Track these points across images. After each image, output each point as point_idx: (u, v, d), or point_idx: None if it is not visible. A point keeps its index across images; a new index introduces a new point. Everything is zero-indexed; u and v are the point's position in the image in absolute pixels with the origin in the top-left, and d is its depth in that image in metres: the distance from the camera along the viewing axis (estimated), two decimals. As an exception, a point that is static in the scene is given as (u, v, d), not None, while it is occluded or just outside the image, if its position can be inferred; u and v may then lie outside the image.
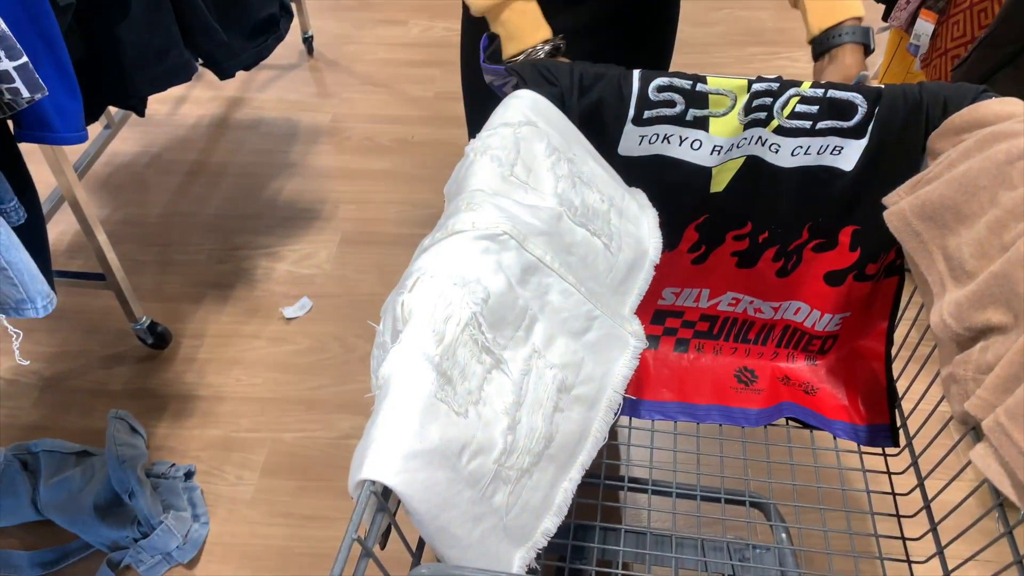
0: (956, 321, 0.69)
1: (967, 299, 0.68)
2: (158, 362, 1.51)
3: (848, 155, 0.81)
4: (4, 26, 0.84)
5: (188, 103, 2.17)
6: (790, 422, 0.95)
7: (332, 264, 1.71)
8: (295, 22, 1.90)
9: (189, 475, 1.32)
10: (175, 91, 2.17)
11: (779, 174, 0.82)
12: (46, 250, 1.02)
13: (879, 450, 0.92)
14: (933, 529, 0.82)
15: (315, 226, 1.80)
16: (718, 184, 0.84)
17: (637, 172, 0.82)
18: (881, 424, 0.93)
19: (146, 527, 1.22)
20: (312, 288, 1.65)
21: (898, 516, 0.87)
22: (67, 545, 1.24)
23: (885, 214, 0.80)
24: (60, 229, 1.76)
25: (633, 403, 0.95)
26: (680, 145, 0.81)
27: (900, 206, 0.79)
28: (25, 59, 0.86)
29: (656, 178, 0.83)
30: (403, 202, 1.86)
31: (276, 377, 1.48)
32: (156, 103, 2.13)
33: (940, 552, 0.80)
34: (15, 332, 0.81)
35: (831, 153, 0.81)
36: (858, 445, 0.92)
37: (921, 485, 0.86)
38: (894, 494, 0.89)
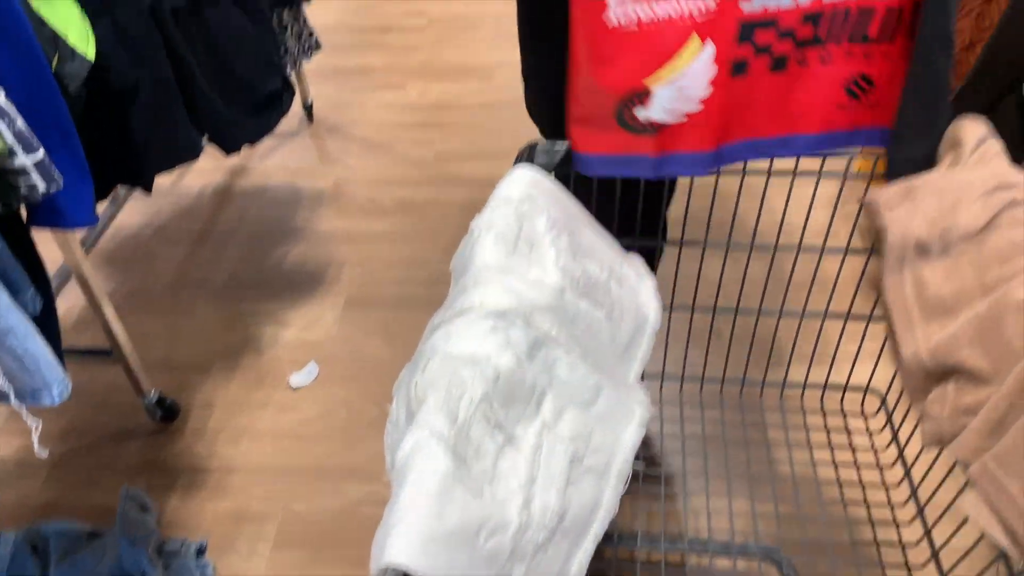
0: (931, 357, 0.70)
1: (946, 339, 0.69)
2: (168, 435, 1.52)
3: None
4: (22, 124, 0.87)
5: (192, 173, 2.21)
6: None
7: (338, 327, 1.73)
8: (295, 90, 1.95)
9: (201, 551, 1.32)
10: (179, 163, 2.22)
11: None
12: (58, 334, 1.04)
13: (885, 500, 0.93)
14: (945, 580, 0.82)
15: (320, 290, 1.82)
16: None
17: None
18: None
19: (159, 604, 1.21)
20: (319, 353, 1.67)
21: (907, 567, 0.88)
22: (80, 626, 1.23)
23: (869, 212, 0.80)
24: (67, 305, 1.78)
25: (715, 155, 0.82)
26: None
27: (890, 224, 0.78)
28: (42, 153, 0.90)
29: None
30: (407, 262, 1.89)
31: (286, 446, 1.49)
32: (161, 175, 2.18)
33: (954, 603, 0.81)
34: (35, 422, 0.83)
35: None
36: (864, 494, 0.92)
37: (928, 534, 0.86)
38: (902, 545, 0.89)
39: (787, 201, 0.94)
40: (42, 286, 1.01)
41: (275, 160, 2.27)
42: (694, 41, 0.76)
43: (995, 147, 0.77)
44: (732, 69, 0.79)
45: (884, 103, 0.81)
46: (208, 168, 2.22)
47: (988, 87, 1.25)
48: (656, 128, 0.82)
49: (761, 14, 0.75)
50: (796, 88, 0.80)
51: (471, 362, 0.60)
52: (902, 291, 0.76)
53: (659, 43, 0.77)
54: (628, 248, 0.91)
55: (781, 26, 0.76)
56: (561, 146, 0.88)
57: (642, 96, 0.80)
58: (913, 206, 0.77)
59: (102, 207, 1.86)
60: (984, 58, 1.26)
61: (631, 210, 0.98)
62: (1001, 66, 1.23)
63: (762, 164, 0.88)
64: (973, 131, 0.78)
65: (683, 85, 0.79)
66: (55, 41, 1.05)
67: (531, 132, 2.57)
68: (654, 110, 0.81)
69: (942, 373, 0.71)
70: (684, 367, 1.02)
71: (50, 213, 1.07)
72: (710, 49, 0.77)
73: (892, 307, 0.76)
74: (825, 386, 1.00)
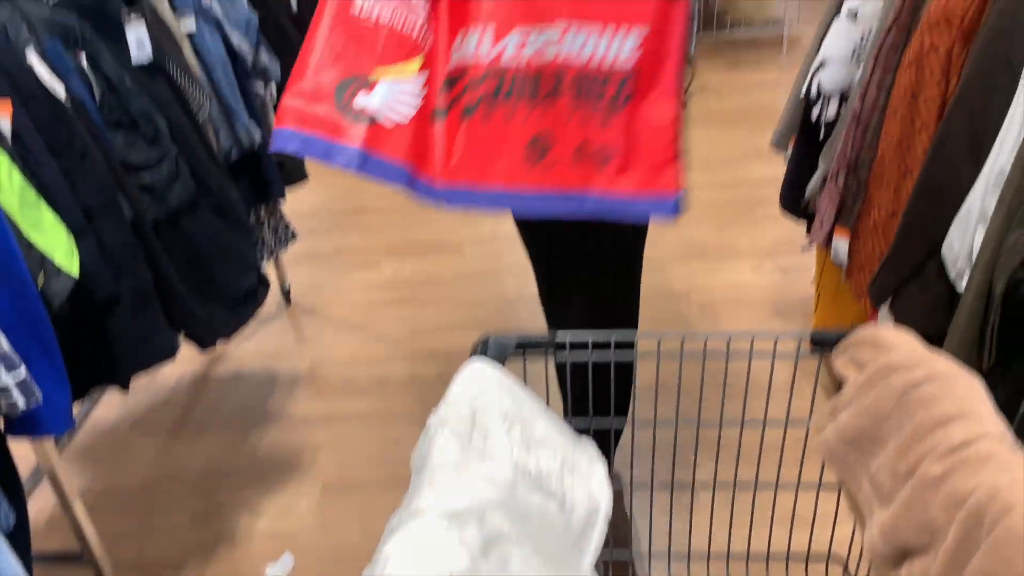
0: (883, 543, 0.74)
1: (888, 521, 0.73)
2: (135, 641, 1.46)
3: None
4: (6, 345, 0.93)
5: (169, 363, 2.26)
6: None
7: (313, 516, 1.71)
8: (272, 273, 2.04)
9: None
10: (158, 353, 2.26)
11: None
12: (28, 548, 1.04)
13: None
14: None
15: (296, 477, 1.82)
16: None
17: None
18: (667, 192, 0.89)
19: None
20: (295, 543, 1.65)
21: None
22: None
23: (817, 444, 0.87)
24: (38, 506, 1.76)
25: (408, 174, 0.90)
26: None
27: (826, 435, 0.87)
28: (23, 371, 0.95)
29: None
30: (383, 442, 1.91)
31: (258, 645, 1.44)
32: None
33: None
34: (-3, 649, 0.81)
35: None
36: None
37: None
38: None
39: (724, 380, 1.00)
40: (15, 499, 1.03)
41: (252, 344, 2.33)
42: (417, 62, 0.91)
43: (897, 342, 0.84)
44: (433, 112, 0.91)
45: (561, 162, 0.89)
46: (186, 357, 2.27)
47: (912, 253, 1.36)
48: (368, 120, 0.91)
49: (456, 68, 0.90)
50: (484, 140, 0.90)
51: (425, 570, 0.62)
52: (864, 491, 0.81)
53: (392, 47, 0.91)
54: (582, 431, 0.95)
55: (469, 76, 0.90)
56: (511, 339, 0.94)
57: (368, 83, 0.91)
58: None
59: (78, 406, 1.89)
60: (904, 227, 1.37)
61: (595, 391, 1.02)
62: (920, 234, 1.34)
63: (701, 345, 0.95)
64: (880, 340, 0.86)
65: (401, 92, 0.91)
66: (42, 262, 1.12)
67: (501, 299, 2.64)
68: (374, 100, 0.91)
69: (899, 554, 0.74)
70: (650, 548, 1.03)
71: (27, 423, 1.11)
72: (423, 77, 0.91)
73: (863, 507, 0.81)
74: (788, 558, 1.01)
